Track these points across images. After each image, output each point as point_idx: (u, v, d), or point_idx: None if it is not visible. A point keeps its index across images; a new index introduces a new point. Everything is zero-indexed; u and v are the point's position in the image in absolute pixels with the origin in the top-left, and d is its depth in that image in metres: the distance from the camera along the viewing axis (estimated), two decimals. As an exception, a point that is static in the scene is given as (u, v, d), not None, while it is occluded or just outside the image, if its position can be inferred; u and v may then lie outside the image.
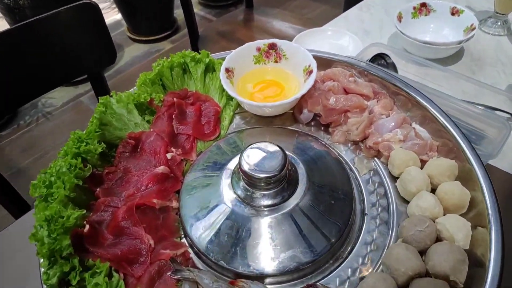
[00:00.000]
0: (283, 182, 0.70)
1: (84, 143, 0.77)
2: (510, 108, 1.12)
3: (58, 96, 3.15)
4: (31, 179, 0.71)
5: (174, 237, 0.73)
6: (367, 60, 1.17)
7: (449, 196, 0.68)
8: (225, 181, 0.74)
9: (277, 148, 0.69)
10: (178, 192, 0.79)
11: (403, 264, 0.60)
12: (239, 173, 0.71)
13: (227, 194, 0.72)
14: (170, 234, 0.73)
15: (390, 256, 0.62)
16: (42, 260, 0.64)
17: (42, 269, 0.63)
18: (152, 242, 0.70)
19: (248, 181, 0.69)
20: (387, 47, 1.21)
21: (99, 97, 0.84)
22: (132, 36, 3.55)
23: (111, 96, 0.85)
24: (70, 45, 1.37)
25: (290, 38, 1.10)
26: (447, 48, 1.24)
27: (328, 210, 0.70)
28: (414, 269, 0.60)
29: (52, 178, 0.70)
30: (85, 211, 0.69)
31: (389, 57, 1.18)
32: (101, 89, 1.56)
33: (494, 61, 1.31)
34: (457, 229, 0.64)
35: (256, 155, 0.69)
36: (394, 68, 1.18)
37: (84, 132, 0.79)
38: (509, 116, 1.13)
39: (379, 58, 1.18)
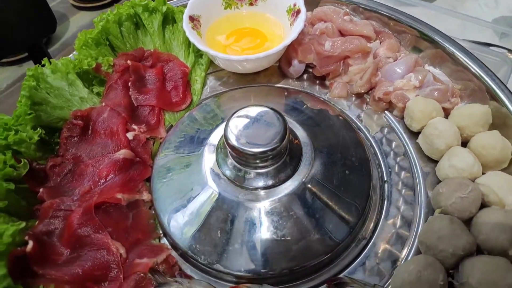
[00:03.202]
0: (283, 156, 0.54)
1: (13, 131, 0.57)
2: (501, 43, 1.01)
3: (1, 77, 2.80)
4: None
5: (151, 239, 0.57)
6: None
7: (488, 151, 0.55)
8: (208, 160, 0.57)
9: (272, 112, 0.53)
10: (148, 180, 0.62)
11: (450, 243, 0.48)
12: (226, 148, 0.54)
13: (213, 176, 0.56)
14: (145, 236, 0.57)
15: (430, 233, 0.49)
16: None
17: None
18: (122, 250, 0.54)
19: (239, 158, 0.53)
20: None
21: (27, 69, 0.63)
22: (76, 4, 3.17)
23: (43, 66, 0.64)
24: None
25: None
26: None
27: (343, 183, 0.56)
28: (465, 248, 0.47)
29: (-28, 185, 0.52)
30: (23, 224, 0.51)
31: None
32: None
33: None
34: (507, 190, 0.52)
35: (245, 124, 0.52)
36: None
37: (11, 117, 0.59)
38: (505, 51, 1.01)
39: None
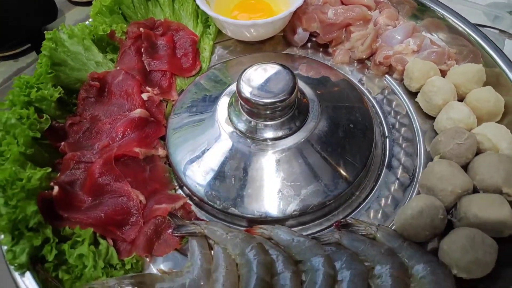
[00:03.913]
0: (293, 108, 0.58)
1: (35, 89, 0.60)
2: (494, 25, 1.06)
3: (-4, 72, 2.80)
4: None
5: (167, 190, 0.60)
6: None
7: (483, 104, 0.59)
8: (221, 116, 0.61)
9: (282, 68, 0.57)
10: (162, 138, 0.65)
11: (449, 182, 0.51)
12: (238, 103, 0.58)
13: (226, 130, 0.59)
14: (162, 187, 0.60)
15: (431, 175, 0.53)
16: (2, 236, 0.49)
17: (5, 247, 0.48)
18: (142, 197, 0.57)
19: (251, 109, 0.56)
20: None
21: (45, 32, 0.66)
22: (72, -2, 3.17)
23: (61, 30, 0.67)
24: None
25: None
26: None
27: (348, 135, 0.59)
28: (463, 186, 0.51)
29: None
30: (50, 169, 0.54)
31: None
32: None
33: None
34: (500, 137, 0.56)
35: (257, 78, 0.56)
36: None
37: (32, 76, 0.62)
38: (497, 31, 1.06)
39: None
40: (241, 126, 0.58)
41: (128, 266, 0.52)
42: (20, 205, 0.48)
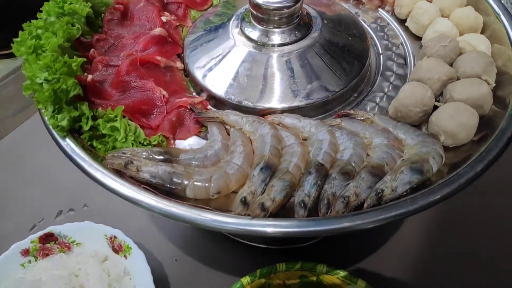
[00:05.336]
0: (298, 18, 0.66)
1: (68, 2, 0.67)
2: None
3: (-6, 69, 2.84)
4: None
5: (186, 93, 0.67)
6: None
7: (464, 20, 0.68)
8: (234, 29, 0.68)
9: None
10: (179, 57, 0.72)
11: (435, 71, 0.59)
12: (249, 14, 0.66)
13: (239, 39, 0.67)
14: (182, 90, 0.67)
15: (420, 70, 0.61)
16: (43, 110, 0.55)
17: (46, 117, 0.54)
18: (165, 92, 0.63)
19: (261, 16, 0.64)
20: None
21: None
22: None
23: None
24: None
25: None
26: None
27: (347, 45, 0.67)
28: (448, 74, 0.59)
29: (40, 31, 0.61)
30: (85, 59, 0.61)
31: None
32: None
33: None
34: (480, 42, 0.64)
35: (267, -10, 0.64)
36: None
37: (65, -7, 0.69)
38: None
39: None
40: (253, 35, 0.66)
41: (154, 143, 0.58)
42: (62, 77, 0.54)
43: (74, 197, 0.85)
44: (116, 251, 0.73)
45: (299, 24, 0.66)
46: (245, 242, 0.77)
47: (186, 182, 0.51)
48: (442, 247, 0.75)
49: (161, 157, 0.54)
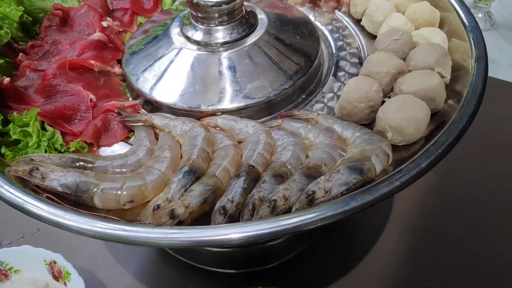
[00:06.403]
0: (240, 15, 0.61)
1: (-2, 6, 0.63)
2: None
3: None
4: None
5: (120, 98, 0.62)
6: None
7: (419, 14, 0.64)
8: (174, 31, 0.64)
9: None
10: (119, 61, 0.67)
11: (384, 65, 0.54)
12: (189, 17, 0.62)
13: (178, 40, 0.62)
14: (115, 95, 0.62)
15: (368, 63, 0.56)
16: None
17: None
18: (92, 96, 0.58)
19: (200, 15, 0.60)
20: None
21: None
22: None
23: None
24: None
25: None
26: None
27: (295, 43, 0.63)
28: (397, 67, 0.54)
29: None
30: (6, 60, 0.56)
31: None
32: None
33: None
34: (434, 35, 0.59)
35: (205, -12, 0.60)
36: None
37: (-4, -4, 0.66)
38: None
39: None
40: (192, 34, 0.61)
41: (72, 149, 0.52)
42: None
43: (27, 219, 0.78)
44: (56, 277, 0.66)
45: (241, 22, 0.61)
46: (207, 268, 0.69)
47: (94, 190, 0.44)
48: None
49: (75, 164, 0.48)
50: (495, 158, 0.81)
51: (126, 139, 0.55)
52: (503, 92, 0.97)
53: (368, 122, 0.53)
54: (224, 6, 0.58)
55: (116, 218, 0.42)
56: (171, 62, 0.60)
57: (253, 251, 0.71)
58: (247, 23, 0.62)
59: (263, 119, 0.58)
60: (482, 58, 0.54)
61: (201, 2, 0.58)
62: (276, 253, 0.70)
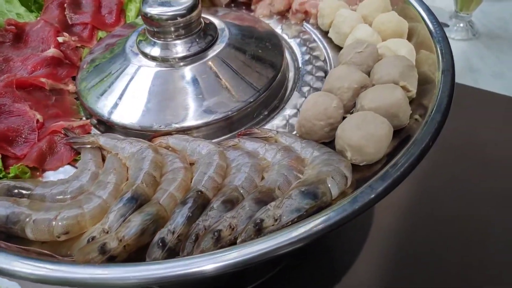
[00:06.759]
0: (198, 28, 0.58)
1: None
2: None
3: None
4: None
5: (71, 118, 0.58)
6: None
7: (386, 25, 0.61)
8: (129, 45, 0.61)
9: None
10: (75, 78, 0.64)
11: (345, 79, 0.51)
12: (145, 33, 0.59)
13: (134, 56, 0.59)
14: (66, 114, 0.58)
15: (330, 77, 0.53)
16: None
17: None
18: (39, 117, 0.55)
19: (156, 29, 0.57)
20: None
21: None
22: None
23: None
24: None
25: None
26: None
27: (257, 56, 0.60)
28: (359, 81, 0.51)
29: None
30: None
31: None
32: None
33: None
34: (400, 46, 0.56)
35: (160, 1, 0.57)
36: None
37: None
38: None
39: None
40: (148, 50, 0.58)
41: (11, 175, 0.48)
42: None
43: None
44: (11, 308, 0.62)
45: (199, 35, 0.58)
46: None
47: (26, 220, 0.41)
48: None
49: (11, 192, 0.45)
50: (476, 169, 0.78)
51: (73, 162, 0.52)
52: (485, 102, 0.95)
53: (329, 141, 0.50)
54: (179, 19, 0.55)
55: (48, 252, 0.39)
56: (125, 79, 0.57)
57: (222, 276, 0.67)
58: (206, 35, 0.59)
59: (223, 137, 0.55)
60: (449, 71, 0.51)
61: (155, 16, 0.55)
62: (248, 276, 0.66)
